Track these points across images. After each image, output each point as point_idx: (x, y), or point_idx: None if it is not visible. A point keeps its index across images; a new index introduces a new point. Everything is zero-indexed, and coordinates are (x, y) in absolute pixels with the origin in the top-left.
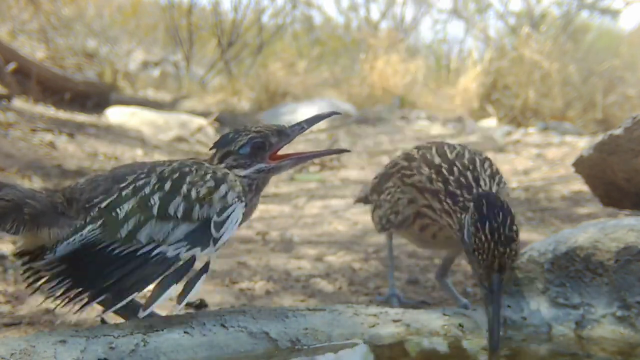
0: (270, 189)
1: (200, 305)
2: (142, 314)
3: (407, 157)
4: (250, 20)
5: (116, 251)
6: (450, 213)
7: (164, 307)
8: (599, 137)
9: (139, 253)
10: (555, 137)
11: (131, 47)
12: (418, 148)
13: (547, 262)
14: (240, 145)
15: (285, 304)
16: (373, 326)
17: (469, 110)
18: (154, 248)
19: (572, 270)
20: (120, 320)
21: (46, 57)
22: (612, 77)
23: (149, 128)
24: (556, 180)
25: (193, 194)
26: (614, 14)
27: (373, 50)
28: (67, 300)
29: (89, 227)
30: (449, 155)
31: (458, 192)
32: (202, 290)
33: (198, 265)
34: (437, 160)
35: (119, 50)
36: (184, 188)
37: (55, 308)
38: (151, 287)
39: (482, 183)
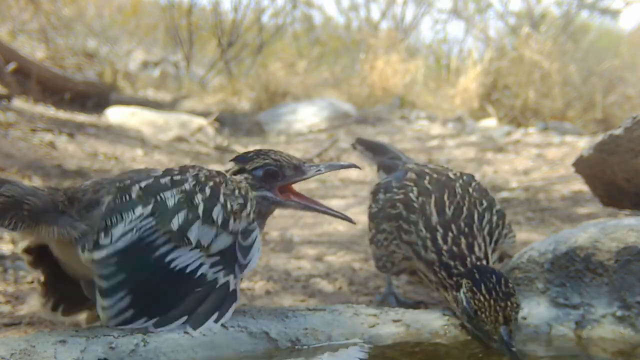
0: None
1: None
2: (194, 333)
3: (407, 205)
4: (250, 20)
5: (171, 256)
6: (446, 287)
7: None
8: (599, 137)
9: (188, 270)
10: (555, 137)
11: (131, 47)
12: (419, 191)
13: (547, 262)
14: (255, 166)
15: (285, 304)
16: (373, 326)
17: (469, 110)
18: (199, 266)
19: (572, 270)
20: None
21: (46, 57)
22: (612, 77)
23: (149, 128)
24: (556, 180)
25: (229, 205)
26: (614, 14)
27: (373, 50)
28: (120, 321)
29: (139, 210)
30: (447, 210)
31: (451, 263)
32: None
33: None
34: (434, 219)
35: (119, 50)
36: (221, 198)
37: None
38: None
39: (476, 249)
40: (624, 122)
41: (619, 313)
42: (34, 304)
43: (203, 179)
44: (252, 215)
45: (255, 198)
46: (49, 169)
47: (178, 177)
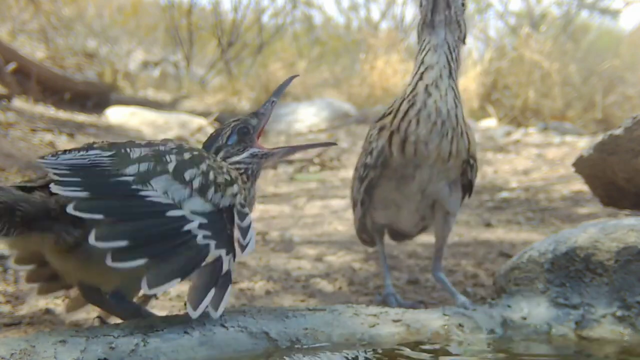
0: (270, 189)
1: None
2: (194, 314)
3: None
4: (250, 20)
5: (134, 187)
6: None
7: (163, 307)
8: (599, 137)
9: (167, 214)
10: (555, 137)
11: (131, 47)
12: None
13: (547, 262)
14: (226, 136)
15: (285, 304)
16: (373, 326)
17: (469, 110)
18: (182, 217)
19: (572, 270)
20: (119, 320)
21: (46, 57)
22: (612, 77)
23: (149, 128)
24: (556, 180)
25: (211, 175)
26: (614, 14)
27: (373, 50)
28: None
29: (95, 151)
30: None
31: None
32: None
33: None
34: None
35: (119, 50)
36: (203, 166)
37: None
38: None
39: None
40: (624, 122)
41: (619, 313)
42: (34, 303)
43: (187, 147)
44: (238, 198)
45: (247, 187)
46: None
47: (156, 145)
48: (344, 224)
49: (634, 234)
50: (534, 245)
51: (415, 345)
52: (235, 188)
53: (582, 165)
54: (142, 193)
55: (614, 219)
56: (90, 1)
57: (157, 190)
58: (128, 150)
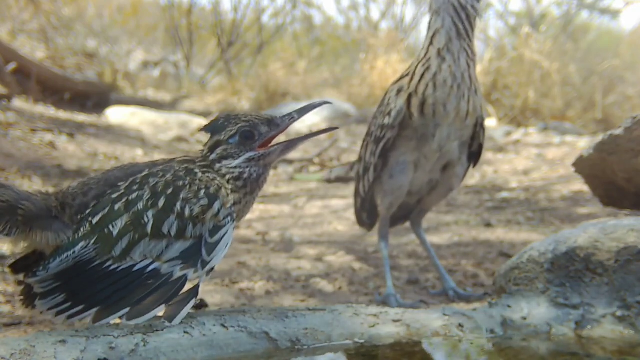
0: (270, 188)
1: (200, 305)
2: (131, 322)
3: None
4: (250, 20)
5: (111, 268)
6: None
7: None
8: (599, 137)
9: (134, 269)
10: (555, 137)
11: (131, 47)
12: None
13: (547, 262)
14: (229, 135)
15: (285, 304)
16: (373, 326)
17: None
18: (149, 264)
19: (572, 270)
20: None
21: (46, 57)
22: (612, 77)
23: (149, 128)
24: (556, 180)
25: (187, 212)
26: (614, 14)
27: (373, 50)
28: (58, 313)
29: (82, 244)
30: None
31: None
32: (202, 290)
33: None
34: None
35: (119, 50)
36: (178, 206)
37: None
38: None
39: None
40: (624, 122)
41: (619, 313)
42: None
43: (161, 187)
44: (222, 213)
45: (230, 193)
46: (49, 169)
47: (134, 195)
48: (344, 224)
49: (634, 234)
50: (534, 245)
51: (415, 345)
52: (216, 207)
53: (582, 165)
54: (113, 268)
55: (614, 219)
56: (90, 1)
57: (133, 259)
58: (110, 227)
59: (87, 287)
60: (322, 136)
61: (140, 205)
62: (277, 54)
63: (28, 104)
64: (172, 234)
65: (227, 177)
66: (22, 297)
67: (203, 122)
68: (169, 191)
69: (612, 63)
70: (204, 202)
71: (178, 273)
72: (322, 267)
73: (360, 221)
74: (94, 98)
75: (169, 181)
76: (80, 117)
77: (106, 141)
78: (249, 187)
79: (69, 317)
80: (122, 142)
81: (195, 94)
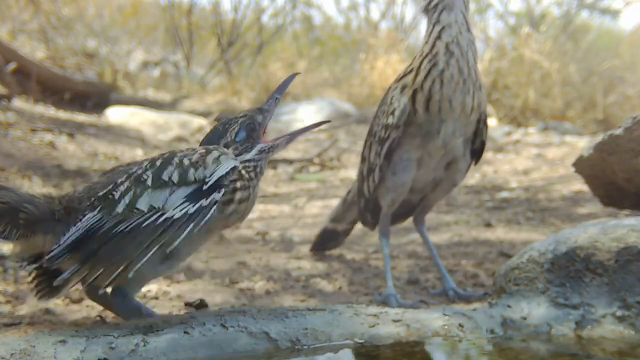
0: (270, 188)
1: (200, 305)
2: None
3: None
4: (250, 20)
5: (122, 227)
6: None
7: (163, 307)
8: (599, 137)
9: (145, 224)
10: (555, 137)
11: (131, 47)
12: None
13: (547, 262)
14: (235, 133)
15: (285, 304)
16: (373, 326)
17: None
18: (159, 216)
19: (572, 270)
20: (120, 320)
21: (46, 57)
22: (612, 77)
23: (149, 128)
24: (556, 180)
25: (186, 161)
26: (614, 14)
27: (373, 50)
28: (83, 283)
29: (89, 215)
30: None
31: None
32: (202, 290)
33: None
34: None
35: (119, 50)
36: (176, 159)
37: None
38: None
39: None
40: (624, 122)
41: (619, 313)
42: (34, 303)
43: (158, 157)
44: (222, 158)
45: (241, 184)
46: (49, 169)
47: (134, 169)
48: None
49: (634, 234)
50: (534, 245)
51: (415, 345)
52: (215, 153)
53: (582, 165)
54: (122, 227)
55: (614, 219)
56: (90, 1)
57: (140, 210)
58: (114, 193)
59: (102, 252)
60: (323, 136)
61: (139, 171)
62: (277, 54)
63: (28, 104)
64: (174, 180)
65: (243, 172)
66: (36, 287)
67: (203, 121)
68: (166, 155)
69: (612, 63)
70: (202, 151)
71: (193, 209)
72: (322, 267)
73: (364, 221)
74: (94, 98)
75: (167, 152)
76: (80, 117)
77: (106, 141)
78: (257, 178)
79: (94, 283)
80: (122, 142)
81: (195, 94)
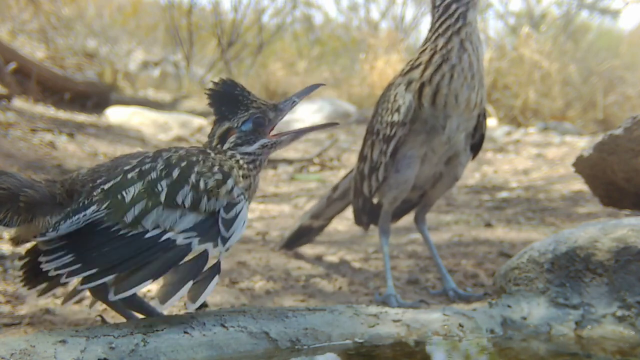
0: (270, 188)
1: (200, 305)
2: (162, 309)
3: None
4: (250, 20)
5: (121, 232)
6: None
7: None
8: (599, 137)
9: (146, 236)
10: (555, 137)
11: (131, 47)
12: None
13: (547, 262)
14: (242, 121)
15: (285, 304)
16: (373, 326)
17: None
18: (162, 233)
19: (572, 270)
20: (120, 320)
21: (46, 57)
22: (612, 77)
23: (149, 128)
24: (556, 180)
25: (201, 184)
26: (614, 14)
27: (373, 50)
28: (70, 274)
29: (93, 208)
30: None
31: None
32: None
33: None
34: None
35: (119, 50)
36: (192, 178)
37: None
38: (157, 283)
39: None
40: (624, 122)
41: (619, 313)
42: (34, 303)
43: (175, 160)
44: (235, 191)
45: (242, 172)
46: (49, 169)
47: (147, 166)
48: (343, 224)
49: (634, 234)
50: (534, 245)
51: (415, 345)
52: (229, 184)
53: (582, 165)
54: (124, 232)
55: (614, 219)
56: (90, 1)
57: (145, 227)
58: (123, 194)
59: (96, 249)
60: (323, 136)
61: (154, 175)
62: (277, 54)
63: (28, 104)
64: (187, 204)
65: (241, 162)
66: (23, 273)
67: (203, 121)
68: (183, 164)
69: (612, 63)
70: (218, 176)
71: (197, 246)
72: (322, 267)
73: (358, 221)
74: (94, 98)
75: (183, 155)
76: (80, 117)
77: (106, 141)
78: (258, 171)
79: (84, 281)
80: (122, 142)
81: (195, 94)
